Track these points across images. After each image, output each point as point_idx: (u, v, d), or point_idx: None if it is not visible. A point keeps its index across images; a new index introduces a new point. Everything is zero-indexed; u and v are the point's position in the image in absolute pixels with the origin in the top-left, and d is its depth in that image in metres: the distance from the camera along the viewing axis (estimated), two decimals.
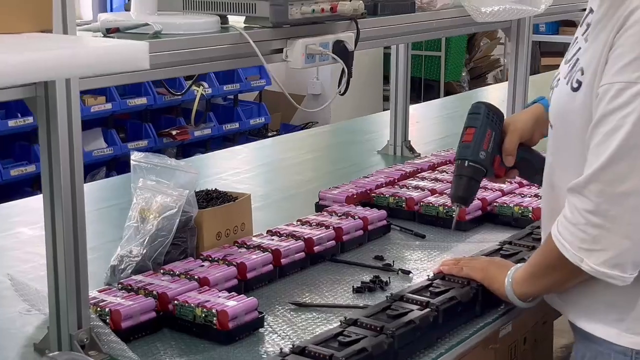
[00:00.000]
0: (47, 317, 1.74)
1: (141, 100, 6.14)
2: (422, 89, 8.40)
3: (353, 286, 1.91)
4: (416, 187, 2.48)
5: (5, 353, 1.64)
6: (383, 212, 2.27)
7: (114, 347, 1.59)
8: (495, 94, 4.63)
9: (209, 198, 2.09)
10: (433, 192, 2.45)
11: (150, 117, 6.33)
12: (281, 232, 2.08)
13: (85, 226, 1.58)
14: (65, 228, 1.55)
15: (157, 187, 1.96)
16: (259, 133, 7.14)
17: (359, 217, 2.20)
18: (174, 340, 1.67)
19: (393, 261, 2.05)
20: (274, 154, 3.50)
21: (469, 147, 1.85)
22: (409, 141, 3.17)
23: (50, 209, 1.55)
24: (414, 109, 3.78)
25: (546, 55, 10.19)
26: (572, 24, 10.46)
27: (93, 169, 6.02)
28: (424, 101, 7.80)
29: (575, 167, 1.52)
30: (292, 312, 1.79)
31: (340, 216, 2.21)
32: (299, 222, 2.18)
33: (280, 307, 1.81)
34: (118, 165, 6.18)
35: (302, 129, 7.04)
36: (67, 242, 1.55)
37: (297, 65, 1.96)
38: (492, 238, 2.23)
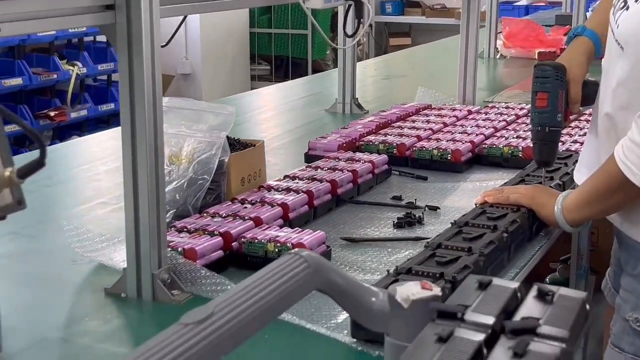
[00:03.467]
0: (97, 263, 1.66)
1: (16, 81, 5.85)
2: (290, 67, 8.44)
3: (393, 222, 1.92)
4: (400, 135, 2.51)
5: (79, 301, 1.55)
6: (384, 157, 2.29)
7: (197, 283, 1.53)
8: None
9: (229, 144, 2.03)
10: (419, 138, 2.49)
11: (24, 98, 6.04)
12: (300, 177, 2.06)
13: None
14: (149, 164, 1.48)
15: (186, 131, 1.89)
16: None
17: (366, 161, 2.21)
18: (244, 277, 1.62)
19: (415, 199, 2.08)
20: None
21: (547, 113, 1.86)
22: (357, 98, 3.19)
23: (131, 144, 1.47)
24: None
25: (394, 35, 10.51)
26: (417, 5, 10.79)
27: None
28: (292, 79, 7.85)
29: None
30: (345, 249, 1.78)
31: (346, 161, 2.21)
32: (310, 168, 2.16)
33: (331, 244, 1.79)
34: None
35: None
36: (149, 179, 1.48)
37: (317, 5, 1.94)
38: (489, 177, 2.30)
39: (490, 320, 0.86)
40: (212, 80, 7.94)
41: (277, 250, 1.63)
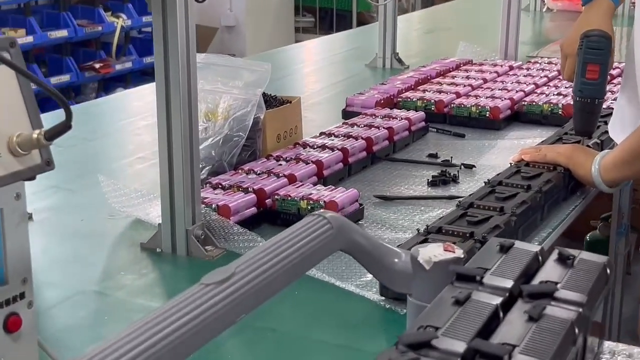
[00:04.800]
0: (134, 218, 1.69)
1: (61, 33, 5.90)
2: (335, 19, 8.39)
3: (427, 180, 1.92)
4: (439, 91, 2.50)
5: (115, 255, 1.58)
6: (422, 114, 2.29)
7: (230, 240, 1.56)
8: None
9: (264, 101, 2.04)
10: (458, 95, 2.47)
11: (70, 50, 6.10)
12: (336, 134, 2.07)
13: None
14: (183, 120, 1.49)
15: (221, 88, 1.90)
16: None
17: (403, 119, 2.20)
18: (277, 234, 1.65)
19: (451, 157, 2.07)
20: None
21: (597, 85, 1.84)
22: (397, 53, 3.17)
23: (165, 100, 1.49)
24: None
25: None
26: None
27: None
28: (336, 32, 7.81)
29: None
30: (378, 207, 1.79)
31: (382, 118, 2.21)
32: (346, 125, 2.17)
33: (364, 202, 1.80)
34: (41, 101, 5.94)
35: None
36: (184, 135, 1.50)
37: None
38: (528, 135, 2.28)
39: (508, 283, 0.87)
40: (256, 32, 7.91)
41: (309, 207, 1.64)
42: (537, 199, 1.64)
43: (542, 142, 2.03)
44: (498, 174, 1.78)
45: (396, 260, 1.01)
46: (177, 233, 1.54)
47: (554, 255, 0.93)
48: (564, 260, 0.92)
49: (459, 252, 0.99)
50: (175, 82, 1.48)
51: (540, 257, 0.94)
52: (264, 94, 2.08)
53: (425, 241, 1.42)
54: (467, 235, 1.45)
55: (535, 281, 0.88)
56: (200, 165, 1.82)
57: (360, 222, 1.69)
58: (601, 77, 1.83)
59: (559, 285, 0.86)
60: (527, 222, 1.60)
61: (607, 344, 0.97)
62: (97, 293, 1.43)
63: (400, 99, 2.45)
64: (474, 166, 2.02)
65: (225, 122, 1.86)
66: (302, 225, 0.94)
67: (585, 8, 1.90)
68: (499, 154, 2.13)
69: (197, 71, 1.91)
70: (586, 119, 1.88)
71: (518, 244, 0.97)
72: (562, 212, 1.75)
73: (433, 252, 0.99)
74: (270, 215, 1.68)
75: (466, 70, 2.80)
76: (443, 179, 1.92)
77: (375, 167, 2.04)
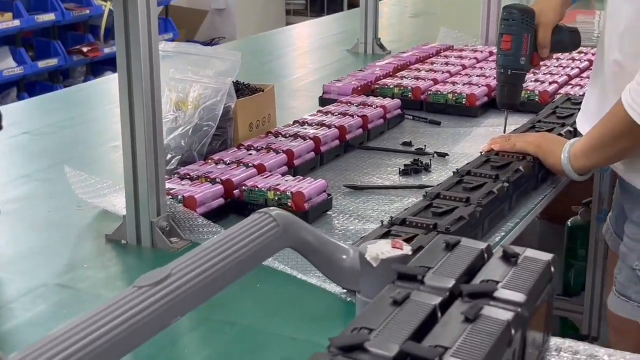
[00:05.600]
0: (101, 209, 1.69)
1: (49, 16, 5.87)
2: (325, 1, 8.36)
3: (399, 169, 1.91)
4: (416, 78, 2.49)
5: (80, 247, 1.58)
6: (397, 101, 2.28)
7: (195, 231, 1.55)
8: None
9: (236, 89, 2.03)
10: (435, 81, 2.46)
11: (57, 33, 6.07)
12: (309, 122, 2.06)
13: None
14: (145, 112, 1.49)
15: (192, 77, 1.89)
16: None
17: (378, 106, 2.20)
18: None
19: (425, 145, 2.07)
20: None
21: (510, 55, 1.89)
22: (379, 38, 3.16)
23: (128, 91, 1.49)
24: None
25: None
26: None
27: (2, 90, 5.75)
28: (327, 14, 7.78)
29: None
30: (348, 196, 1.79)
31: (357, 106, 2.20)
32: (320, 113, 2.16)
33: (334, 192, 1.80)
34: (28, 85, 5.93)
35: (208, 44, 6.91)
36: (147, 126, 1.49)
37: None
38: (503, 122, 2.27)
39: (449, 283, 0.86)
40: (246, 15, 7.89)
41: (276, 198, 1.64)
42: (504, 189, 1.64)
43: (514, 129, 2.02)
44: (467, 164, 1.78)
45: (344, 257, 1.01)
46: (142, 225, 1.53)
47: (499, 253, 0.93)
48: (508, 258, 0.92)
49: (406, 249, 0.99)
50: (138, 73, 1.47)
51: (485, 255, 0.94)
52: (237, 83, 2.07)
53: (388, 233, 1.42)
54: (431, 227, 1.45)
55: (477, 280, 0.88)
56: (170, 155, 1.83)
57: (328, 212, 1.69)
58: (514, 48, 1.87)
59: (499, 285, 0.86)
60: (494, 213, 1.60)
61: (554, 340, 0.97)
62: (59, 286, 1.43)
63: (377, 86, 2.44)
64: (447, 154, 2.01)
65: (195, 111, 1.86)
66: (247, 223, 0.93)
67: None
68: (473, 142, 2.12)
69: (168, 60, 1.92)
70: (506, 90, 1.93)
71: (464, 241, 0.96)
72: (531, 202, 1.75)
73: (381, 249, 0.98)
74: (238, 206, 1.68)
75: (446, 57, 2.79)
76: (415, 168, 1.91)
77: (349, 156, 2.03)
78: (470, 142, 2.13)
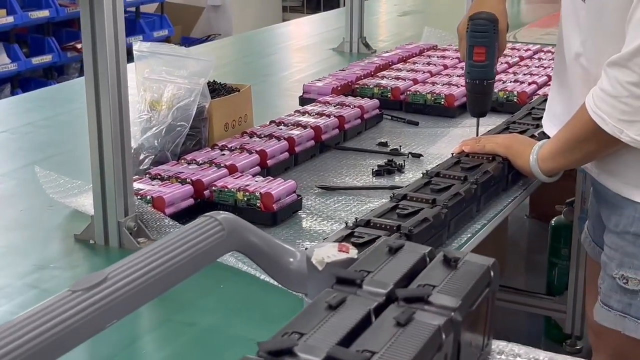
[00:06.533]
0: (73, 209, 1.70)
1: (43, 13, 5.88)
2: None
3: (372, 169, 1.92)
4: (397, 78, 2.50)
5: (49, 247, 1.59)
6: (376, 101, 2.29)
7: (163, 232, 1.56)
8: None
9: (212, 89, 2.04)
10: (415, 81, 2.47)
11: (51, 30, 6.08)
12: (286, 122, 2.07)
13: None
14: (112, 112, 1.50)
15: (166, 77, 1.90)
16: None
17: (355, 106, 2.20)
18: None
19: (400, 146, 2.07)
20: (230, 54, 3.44)
21: (484, 67, 1.89)
22: (365, 37, 3.17)
23: (95, 92, 1.49)
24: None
25: None
26: None
27: None
28: (323, 11, 7.78)
29: (612, 41, 1.53)
30: (320, 197, 1.79)
31: (335, 106, 2.21)
32: (297, 113, 2.17)
33: (306, 192, 1.81)
34: (22, 81, 5.94)
35: (204, 41, 6.91)
36: (114, 127, 1.50)
37: None
38: (482, 122, 2.27)
39: (387, 287, 0.87)
40: (242, 11, 7.89)
41: (246, 199, 1.65)
42: (471, 191, 1.65)
43: (488, 131, 2.03)
44: (437, 165, 1.79)
45: (292, 260, 1.01)
46: (110, 225, 1.54)
47: (440, 257, 0.94)
48: (448, 262, 0.93)
49: (352, 253, 1.00)
50: (104, 73, 1.48)
51: (427, 259, 0.95)
52: (213, 83, 2.08)
53: (351, 234, 1.43)
54: (394, 228, 1.46)
55: (415, 284, 0.89)
56: (144, 155, 1.84)
57: (298, 212, 1.70)
58: (489, 59, 1.88)
59: (435, 289, 0.87)
60: (460, 214, 1.61)
61: (497, 344, 0.98)
62: (25, 285, 1.44)
63: (357, 86, 2.45)
64: (421, 155, 2.02)
65: (169, 111, 1.86)
66: (191, 227, 0.94)
67: None
68: (449, 143, 2.13)
69: (143, 61, 1.93)
70: (478, 100, 1.95)
71: (408, 245, 0.97)
72: (500, 203, 1.75)
73: (327, 253, 0.99)
74: (208, 207, 1.68)
75: (428, 56, 2.79)
76: (388, 169, 1.92)
77: (324, 157, 2.04)
78: (445, 143, 2.13)
